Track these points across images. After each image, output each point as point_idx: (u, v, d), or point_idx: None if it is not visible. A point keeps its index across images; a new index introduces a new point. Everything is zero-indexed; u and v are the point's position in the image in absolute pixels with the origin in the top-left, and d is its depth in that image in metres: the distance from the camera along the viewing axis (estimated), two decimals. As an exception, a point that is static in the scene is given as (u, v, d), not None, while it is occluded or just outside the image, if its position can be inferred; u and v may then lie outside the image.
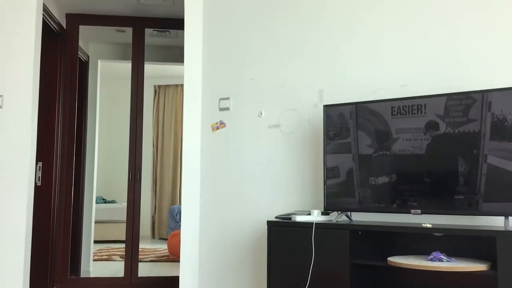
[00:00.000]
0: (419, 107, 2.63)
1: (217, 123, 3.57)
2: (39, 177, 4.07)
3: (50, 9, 4.00)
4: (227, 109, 3.53)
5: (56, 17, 4.16)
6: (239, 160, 3.44)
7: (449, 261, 2.35)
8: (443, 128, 2.55)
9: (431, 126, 2.59)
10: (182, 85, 8.65)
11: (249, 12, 3.51)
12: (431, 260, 2.37)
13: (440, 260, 2.35)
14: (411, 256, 2.57)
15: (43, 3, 3.76)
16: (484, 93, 2.47)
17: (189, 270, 3.50)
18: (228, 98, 3.54)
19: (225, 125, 3.53)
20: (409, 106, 2.66)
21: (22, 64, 3.50)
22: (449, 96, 2.56)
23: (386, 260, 2.50)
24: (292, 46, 3.31)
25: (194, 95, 3.64)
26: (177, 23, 4.48)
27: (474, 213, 2.45)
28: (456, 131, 2.52)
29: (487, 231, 2.25)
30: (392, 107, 2.71)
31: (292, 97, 3.28)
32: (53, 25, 4.09)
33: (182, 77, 3.75)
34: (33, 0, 3.53)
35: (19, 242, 3.38)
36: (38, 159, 4.03)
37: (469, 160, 2.47)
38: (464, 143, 2.49)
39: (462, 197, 2.47)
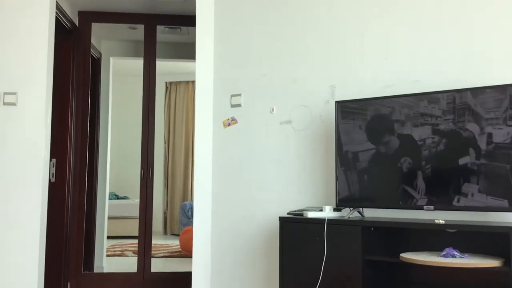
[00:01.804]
0: (432, 102, 2.61)
1: (228, 119, 3.58)
2: (53, 173, 4.12)
3: (63, 7, 4.03)
4: (238, 105, 3.54)
5: (68, 14, 4.19)
6: (250, 156, 3.45)
7: (462, 257, 2.34)
8: (456, 123, 2.54)
9: (444, 121, 2.57)
10: (193, 82, 8.69)
11: (260, 8, 3.51)
12: (444, 256, 2.37)
13: (453, 256, 2.35)
14: (424, 252, 2.57)
15: (56, 1, 3.79)
16: (500, 88, 2.45)
17: (201, 265, 3.52)
18: (239, 95, 3.54)
19: (236, 122, 3.54)
20: (422, 101, 2.65)
21: (35, 62, 3.54)
22: (459, 91, 2.54)
23: (399, 256, 2.50)
24: (304, 42, 3.31)
25: (205, 91, 3.65)
26: (189, 20, 4.49)
27: (487, 209, 2.43)
28: (469, 126, 2.50)
29: (500, 227, 2.24)
30: (404, 103, 2.70)
31: (304, 93, 3.28)
32: (66, 22, 4.12)
33: (193, 73, 3.76)
34: (46, -2, 3.56)
35: (34, 238, 3.42)
36: (52, 156, 4.08)
37: (483, 156, 2.45)
38: (477, 139, 2.48)
39: (475, 193, 2.46)
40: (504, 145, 2.41)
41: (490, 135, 2.45)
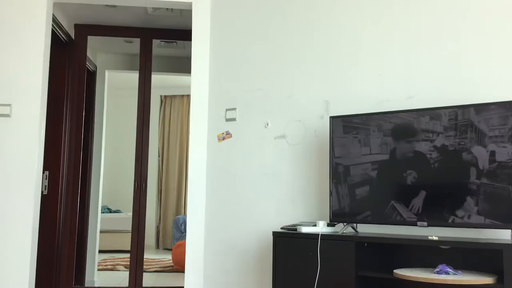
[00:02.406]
0: (426, 119, 2.63)
1: (223, 133, 3.58)
2: (45, 185, 4.09)
3: (59, 20, 4.05)
4: (233, 119, 3.55)
5: (65, 27, 4.20)
6: (245, 170, 3.45)
7: (455, 274, 2.33)
8: (450, 140, 2.55)
9: (438, 138, 2.59)
10: (188, 96, 8.71)
11: (256, 24, 3.53)
12: (438, 273, 2.36)
13: (447, 273, 2.34)
14: (417, 268, 2.56)
15: (53, 14, 3.80)
16: (507, 104, 2.47)
17: (194, 281, 3.49)
18: (234, 109, 3.55)
19: (231, 136, 3.55)
20: (415, 118, 2.66)
21: (31, 73, 3.54)
22: (456, 108, 2.56)
23: (392, 272, 2.49)
24: (299, 57, 3.33)
25: (200, 105, 3.66)
26: (185, 34, 4.52)
27: (480, 226, 2.44)
28: (464, 143, 2.51)
29: (494, 244, 2.24)
30: (398, 119, 2.71)
31: (298, 108, 3.29)
32: (61, 35, 4.13)
33: (188, 87, 3.78)
34: (42, 11, 3.57)
35: (24, 250, 3.39)
36: (45, 168, 4.06)
37: (477, 174, 2.46)
38: (471, 157, 2.49)
39: (468, 210, 2.46)
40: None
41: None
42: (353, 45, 3.13)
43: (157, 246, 8.61)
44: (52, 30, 3.88)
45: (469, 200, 2.47)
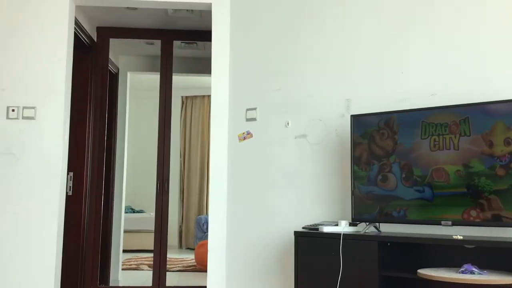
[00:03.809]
0: (449, 116, 2.59)
1: (244, 133, 3.59)
2: (70, 186, 4.16)
3: (81, 23, 4.10)
4: (254, 119, 3.55)
5: (87, 30, 4.26)
6: (265, 170, 3.45)
7: (481, 273, 2.29)
8: (474, 137, 2.51)
9: (461, 135, 2.55)
10: (209, 96, 8.74)
11: (275, 23, 3.53)
12: (463, 272, 2.32)
13: (472, 272, 2.30)
14: (441, 268, 2.52)
15: (75, 17, 3.86)
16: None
17: (216, 280, 3.51)
18: (255, 109, 3.55)
19: (252, 136, 3.55)
20: (438, 115, 2.62)
21: (54, 77, 3.60)
22: (480, 105, 2.52)
23: (416, 272, 2.46)
24: (319, 56, 3.31)
25: (221, 105, 3.67)
26: (205, 35, 4.54)
27: (506, 224, 2.39)
28: (488, 139, 2.47)
29: (521, 243, 2.20)
30: (421, 117, 2.68)
31: (319, 107, 3.27)
32: (84, 38, 4.19)
33: (209, 88, 3.80)
34: (65, 14, 3.63)
35: (50, 250, 3.45)
36: (69, 169, 4.12)
37: (503, 170, 2.42)
38: (496, 152, 2.44)
39: (494, 208, 2.42)
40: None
41: None
42: (374, 43, 3.10)
43: (180, 246, 8.67)
44: (75, 33, 3.94)
45: (494, 198, 2.42)
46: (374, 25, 3.11)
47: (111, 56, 4.82)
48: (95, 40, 4.48)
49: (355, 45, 3.18)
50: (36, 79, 3.59)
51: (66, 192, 4.08)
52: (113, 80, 5.08)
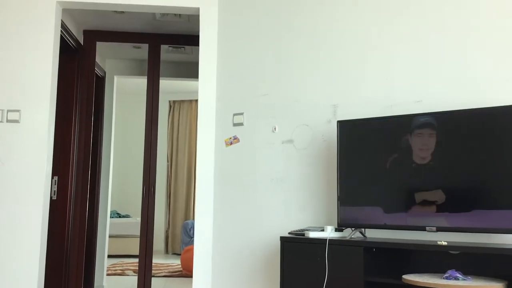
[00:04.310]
0: (434, 122, 2.61)
1: (230, 138, 3.58)
2: (54, 191, 4.11)
3: (68, 26, 4.08)
4: (241, 124, 3.55)
5: (73, 33, 4.23)
6: (252, 175, 3.44)
7: (465, 279, 2.31)
8: (458, 143, 2.53)
9: (447, 141, 2.56)
10: (196, 101, 8.73)
11: (263, 29, 3.54)
12: (447, 278, 2.33)
13: (456, 278, 2.32)
14: (426, 274, 2.53)
15: (61, 20, 3.83)
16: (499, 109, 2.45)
17: (202, 286, 3.49)
18: (242, 114, 3.55)
19: (238, 140, 3.55)
20: (424, 121, 2.64)
21: (40, 79, 3.56)
22: (465, 111, 2.54)
23: (401, 278, 2.47)
24: (306, 61, 3.32)
25: (208, 110, 3.66)
26: (192, 40, 4.53)
27: (490, 230, 2.41)
28: (472, 146, 2.49)
29: (504, 249, 2.21)
30: (406, 123, 2.69)
31: (306, 113, 3.28)
32: (70, 41, 4.16)
33: (196, 92, 3.80)
34: (51, 17, 3.60)
35: (33, 255, 3.40)
36: (54, 173, 4.08)
37: (485, 175, 2.44)
38: (479, 158, 2.46)
39: (478, 213, 2.44)
40: None
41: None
42: (361, 49, 3.12)
43: (166, 251, 8.62)
44: (61, 36, 3.91)
45: (479, 204, 2.44)
46: (361, 31, 3.13)
47: (97, 59, 4.80)
48: (82, 43, 4.45)
49: (342, 51, 3.19)
50: (21, 82, 3.55)
51: (51, 196, 4.04)
52: (99, 83, 5.05)
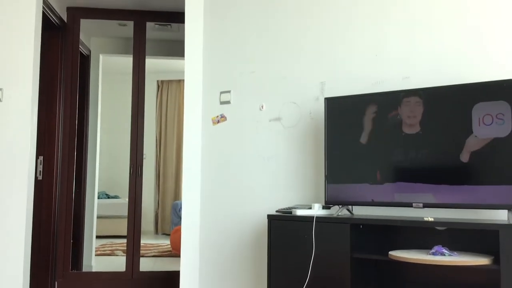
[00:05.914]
0: (421, 99, 2.59)
1: (217, 116, 3.54)
2: (40, 171, 4.06)
3: (50, 2, 3.98)
4: (228, 102, 3.50)
5: (56, 10, 4.13)
6: (240, 153, 3.42)
7: (451, 255, 2.31)
8: (444, 118, 2.51)
9: (433, 117, 2.55)
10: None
11: (250, 5, 3.47)
12: (433, 254, 2.34)
13: (442, 254, 2.32)
14: (413, 250, 2.54)
15: (43, -4, 3.73)
16: (486, 85, 2.43)
17: (189, 264, 3.48)
18: (229, 92, 3.51)
19: (225, 119, 3.51)
20: (410, 98, 2.62)
21: (22, 58, 3.49)
22: (450, 87, 2.52)
23: (388, 254, 2.47)
24: (293, 39, 3.27)
25: (194, 88, 3.61)
26: (179, 17, 4.45)
27: (476, 206, 2.41)
28: (457, 121, 2.48)
29: (490, 224, 2.22)
30: (393, 99, 2.67)
31: (293, 90, 3.24)
32: (53, 18, 4.06)
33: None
34: (33, -7, 3.51)
35: (19, 236, 3.37)
36: (39, 153, 4.02)
37: (469, 150, 2.43)
38: (464, 135, 2.45)
39: (464, 189, 2.44)
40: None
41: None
42: (349, 26, 3.07)
43: (156, 232, 8.62)
44: (44, 13, 3.82)
45: (463, 174, 2.43)
46: (348, 9, 3.08)
47: (82, 37, 4.70)
48: (65, 20, 4.35)
49: (330, 28, 3.14)
50: (3, 60, 3.48)
51: (36, 177, 3.99)
52: (84, 62, 4.96)
